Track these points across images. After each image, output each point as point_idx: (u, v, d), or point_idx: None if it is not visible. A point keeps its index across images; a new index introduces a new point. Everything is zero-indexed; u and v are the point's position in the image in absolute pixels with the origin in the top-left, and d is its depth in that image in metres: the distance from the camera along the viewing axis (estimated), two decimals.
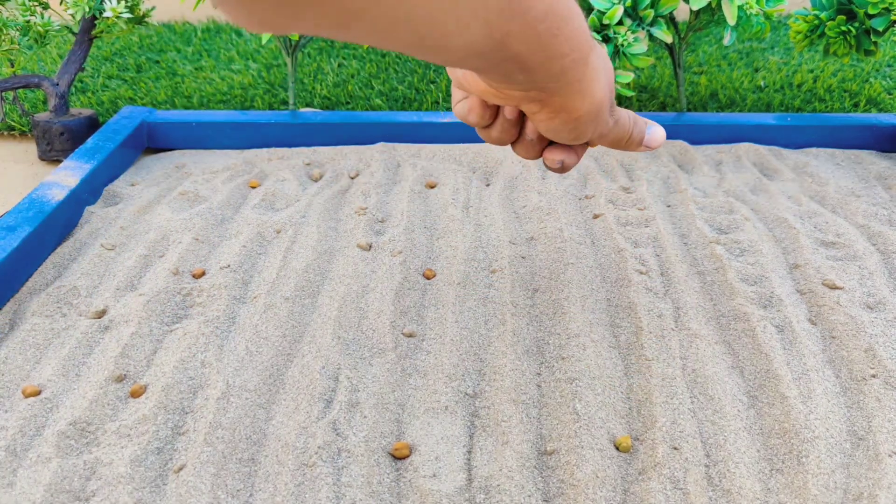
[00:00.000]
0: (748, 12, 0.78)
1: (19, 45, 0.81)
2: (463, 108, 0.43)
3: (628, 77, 0.80)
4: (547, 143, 0.45)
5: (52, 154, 0.84)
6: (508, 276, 0.58)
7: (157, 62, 1.16)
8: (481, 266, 0.61)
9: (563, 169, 0.46)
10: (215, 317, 0.54)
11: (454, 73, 0.40)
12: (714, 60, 1.14)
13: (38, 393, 0.46)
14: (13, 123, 0.92)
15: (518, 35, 0.31)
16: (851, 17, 0.78)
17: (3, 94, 0.83)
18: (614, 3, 0.76)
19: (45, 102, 0.99)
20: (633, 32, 0.77)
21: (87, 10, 0.81)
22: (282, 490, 0.40)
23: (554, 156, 0.45)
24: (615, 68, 0.80)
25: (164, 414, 0.45)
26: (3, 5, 0.81)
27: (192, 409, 0.46)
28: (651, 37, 0.80)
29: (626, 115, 0.45)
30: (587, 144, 0.46)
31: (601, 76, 0.39)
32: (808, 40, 0.82)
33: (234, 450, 0.42)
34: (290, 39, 0.87)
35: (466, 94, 0.42)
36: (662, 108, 0.96)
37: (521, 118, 0.44)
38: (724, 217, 0.67)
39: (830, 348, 0.51)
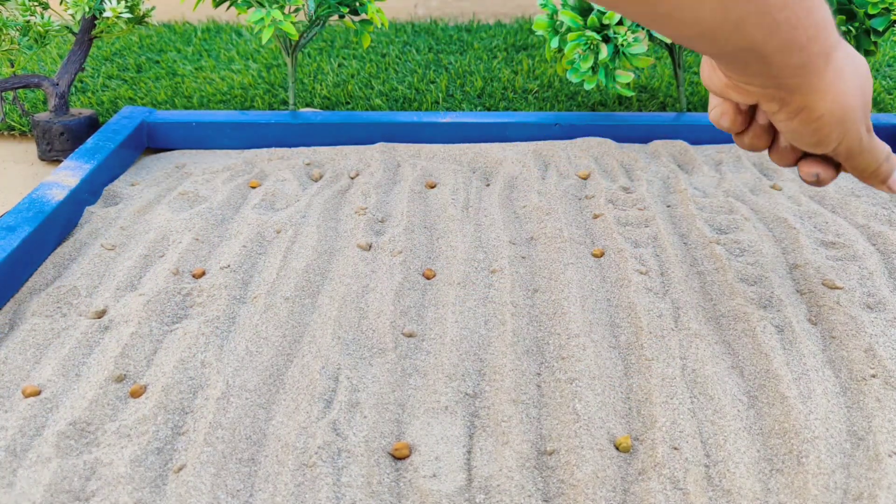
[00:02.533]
0: None
1: (19, 45, 0.81)
2: (716, 112, 0.43)
3: (628, 77, 0.80)
4: (802, 153, 0.44)
5: (52, 154, 0.84)
6: (508, 276, 0.58)
7: (157, 62, 1.16)
8: (481, 266, 0.61)
9: (819, 182, 0.44)
10: (215, 317, 0.54)
11: (703, 73, 0.40)
12: None
13: (38, 393, 0.46)
14: (13, 123, 0.92)
15: (755, 21, 0.31)
16: (851, 17, 0.78)
17: (3, 94, 0.83)
18: None
19: (45, 102, 0.99)
20: (633, 32, 0.77)
21: (87, 10, 0.81)
22: (282, 490, 0.40)
23: (809, 168, 0.44)
24: (614, 68, 0.80)
25: (164, 414, 0.45)
26: (3, 5, 0.81)
27: (192, 409, 0.46)
28: (651, 37, 0.80)
29: (880, 143, 0.43)
30: (839, 167, 0.44)
31: (847, 77, 0.37)
32: None
33: (234, 450, 0.42)
34: (290, 40, 0.87)
35: (721, 99, 0.42)
36: (662, 108, 0.97)
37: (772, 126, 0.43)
38: (723, 217, 0.67)
39: (830, 348, 0.51)
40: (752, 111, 0.43)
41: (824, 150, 0.40)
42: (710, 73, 0.39)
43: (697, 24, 0.31)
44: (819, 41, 0.34)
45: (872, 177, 0.44)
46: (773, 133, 0.43)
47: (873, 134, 0.42)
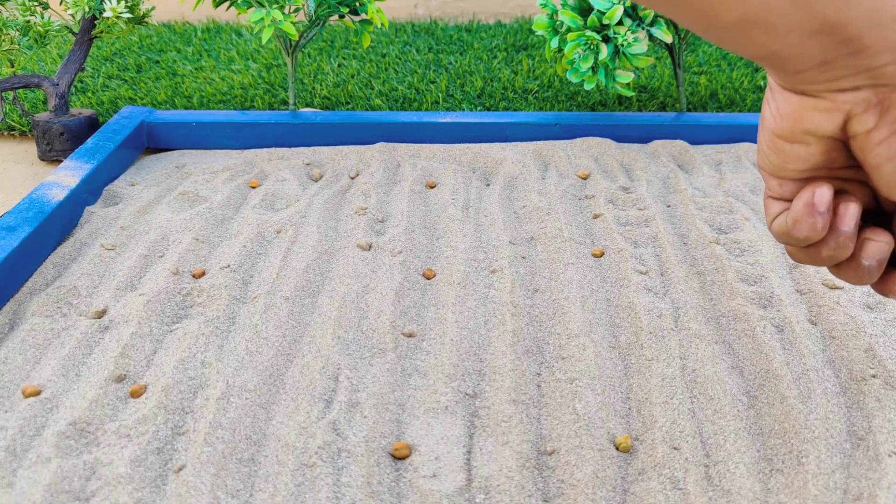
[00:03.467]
0: None
1: (19, 45, 0.81)
2: (786, 221, 0.32)
3: (628, 77, 0.80)
4: (886, 261, 0.33)
5: (52, 154, 0.84)
6: (508, 276, 0.58)
7: (157, 62, 1.16)
8: (481, 266, 0.61)
9: None
10: (215, 317, 0.54)
11: (766, 127, 0.31)
12: (714, 60, 1.14)
13: (37, 393, 0.46)
14: (13, 123, 0.92)
15: None
16: None
17: (3, 94, 0.83)
18: (614, 3, 0.76)
19: (45, 102, 0.99)
20: (633, 32, 0.77)
21: (87, 10, 0.81)
22: (282, 490, 0.40)
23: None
24: (614, 68, 0.80)
25: (164, 414, 0.45)
26: (3, 5, 0.81)
27: (192, 409, 0.46)
28: (651, 37, 0.80)
29: None
30: None
31: None
32: None
33: (234, 450, 0.42)
34: (290, 40, 0.87)
35: (785, 203, 0.33)
36: (662, 108, 0.97)
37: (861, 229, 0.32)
38: (723, 217, 0.67)
39: (830, 348, 0.51)
40: (830, 215, 0.32)
41: None
42: (775, 106, 0.30)
43: (739, 4, 0.24)
44: None
45: None
46: (856, 238, 0.32)
47: None
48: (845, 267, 0.33)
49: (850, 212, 0.31)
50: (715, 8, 0.25)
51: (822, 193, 0.31)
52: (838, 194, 0.32)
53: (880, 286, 0.34)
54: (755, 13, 0.24)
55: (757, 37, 0.25)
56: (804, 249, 0.33)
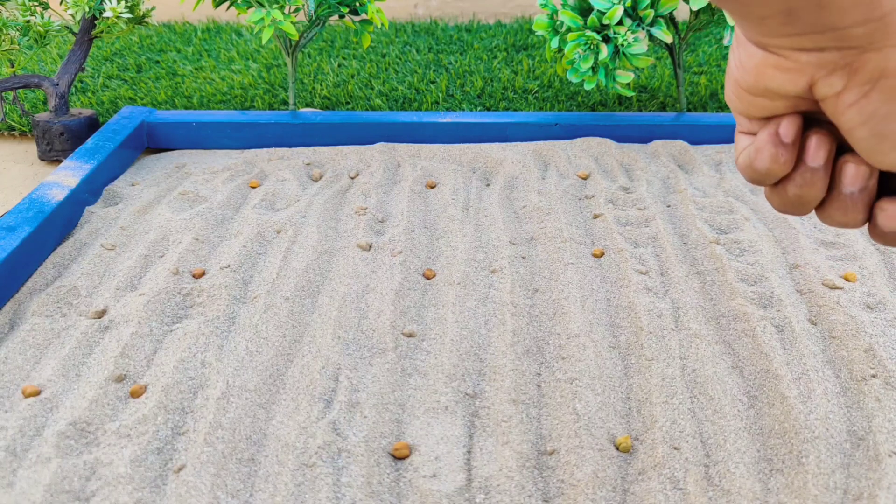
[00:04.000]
0: None
1: (19, 45, 0.81)
2: (749, 153, 0.29)
3: (628, 77, 0.80)
4: (875, 195, 0.29)
5: (52, 154, 0.84)
6: (508, 276, 0.58)
7: (158, 62, 1.16)
8: (481, 266, 0.61)
9: None
10: (215, 317, 0.54)
11: (730, 75, 0.29)
12: (714, 60, 1.14)
13: (38, 393, 0.46)
14: (13, 123, 0.92)
15: None
16: None
17: (3, 94, 0.83)
18: (614, 3, 0.76)
19: (45, 102, 0.99)
20: (633, 32, 0.77)
21: (87, 10, 0.81)
22: (282, 490, 0.40)
23: (893, 207, 0.29)
24: (614, 68, 0.80)
25: (164, 414, 0.45)
26: (3, 5, 0.81)
27: (192, 409, 0.46)
28: (651, 37, 0.80)
29: None
30: None
31: None
32: None
33: (234, 450, 0.42)
34: (290, 40, 0.87)
35: (752, 135, 0.30)
36: (662, 108, 0.97)
37: (832, 164, 0.29)
38: (723, 217, 0.67)
39: (830, 348, 0.51)
40: (797, 149, 0.29)
41: None
42: (739, 57, 0.28)
43: None
44: None
45: None
46: (830, 176, 0.29)
47: None
48: (829, 206, 0.30)
49: (818, 143, 0.28)
50: None
51: (789, 124, 0.29)
52: (810, 127, 0.29)
53: (875, 227, 0.30)
54: None
55: None
56: (774, 189, 0.30)
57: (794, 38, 0.25)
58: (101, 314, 0.54)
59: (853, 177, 0.29)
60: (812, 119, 0.29)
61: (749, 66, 0.27)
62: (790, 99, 0.28)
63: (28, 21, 0.80)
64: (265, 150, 0.82)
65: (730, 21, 0.77)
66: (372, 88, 1.04)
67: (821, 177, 0.29)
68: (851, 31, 0.24)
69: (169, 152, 0.83)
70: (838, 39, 0.24)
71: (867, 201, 0.29)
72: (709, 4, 0.78)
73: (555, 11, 0.83)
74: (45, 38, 0.82)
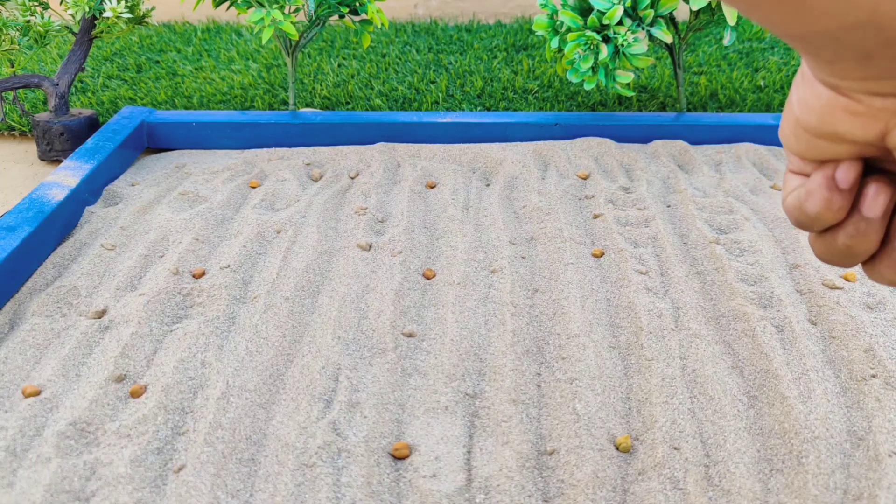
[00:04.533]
0: None
1: (19, 45, 0.81)
2: (799, 194, 0.27)
3: (628, 77, 0.80)
4: None
5: (52, 154, 0.84)
6: (508, 276, 0.58)
7: (157, 62, 1.16)
8: (481, 266, 0.61)
9: None
10: (215, 317, 0.54)
11: (790, 114, 0.26)
12: (714, 60, 1.14)
13: (38, 393, 0.46)
14: (13, 123, 0.92)
15: None
16: None
17: (3, 94, 0.83)
18: (614, 4, 0.76)
19: (45, 102, 0.99)
20: (633, 32, 0.77)
21: (87, 10, 0.81)
22: (282, 490, 0.40)
23: None
24: (614, 68, 0.80)
25: (164, 414, 0.45)
26: (3, 5, 0.81)
27: (192, 409, 0.46)
28: (651, 37, 0.80)
29: None
30: None
31: None
32: None
33: (234, 450, 0.42)
34: (290, 40, 0.87)
35: (803, 175, 0.28)
36: (662, 108, 0.97)
37: (889, 217, 0.26)
38: (723, 217, 0.67)
39: (830, 348, 0.51)
40: (853, 197, 0.26)
41: None
42: (803, 95, 0.25)
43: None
44: None
45: None
46: (885, 228, 0.26)
47: None
48: (880, 262, 0.27)
49: (877, 192, 0.26)
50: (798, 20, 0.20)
51: (849, 168, 0.26)
52: (871, 174, 0.27)
53: None
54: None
55: (787, 16, 0.21)
56: (821, 237, 0.27)
57: (870, 82, 0.22)
58: (101, 314, 0.54)
59: None
60: (872, 166, 0.27)
61: (815, 105, 0.25)
62: (857, 145, 0.25)
63: (28, 21, 0.80)
64: (265, 150, 0.82)
65: (730, 21, 0.77)
66: (372, 88, 1.04)
67: (876, 229, 0.26)
68: None
69: (169, 152, 0.83)
70: None
71: None
72: (709, 4, 0.78)
73: (555, 11, 0.83)
74: (45, 38, 0.82)
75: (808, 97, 0.25)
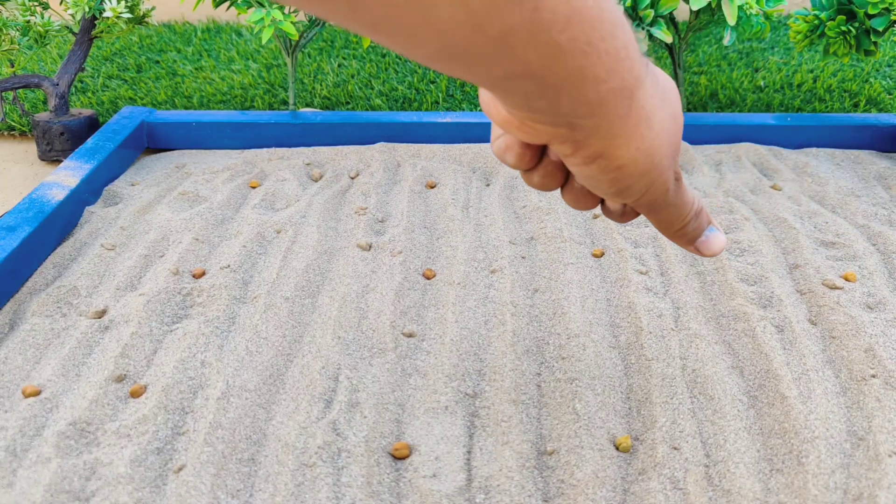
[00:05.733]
0: (748, 12, 0.78)
1: (19, 45, 0.81)
2: (499, 145, 0.34)
3: None
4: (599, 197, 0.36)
5: (52, 154, 0.84)
6: (508, 276, 0.58)
7: (158, 62, 1.16)
8: (481, 266, 0.61)
9: (625, 216, 0.37)
10: (215, 317, 0.54)
11: (482, 98, 0.32)
12: (714, 60, 1.14)
13: (37, 393, 0.46)
14: (13, 123, 0.92)
15: (525, 38, 0.23)
16: (851, 17, 0.78)
17: (3, 94, 0.83)
18: None
19: (45, 102, 0.99)
20: (633, 32, 0.77)
21: (87, 10, 0.81)
22: (282, 490, 0.40)
23: (610, 207, 0.37)
24: None
25: (164, 414, 0.45)
26: (3, 5, 0.81)
27: (192, 409, 0.46)
28: (651, 37, 0.80)
29: (691, 195, 0.36)
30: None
31: (655, 119, 0.30)
32: (808, 40, 0.82)
33: (234, 450, 0.42)
34: (290, 40, 0.87)
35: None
36: None
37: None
38: (723, 217, 0.67)
39: (830, 348, 0.51)
40: (542, 146, 0.34)
41: (625, 200, 0.33)
42: (489, 101, 0.31)
43: (438, 37, 0.23)
44: (620, 74, 0.27)
45: (678, 236, 0.37)
46: (567, 172, 0.35)
47: (682, 183, 0.35)
48: (565, 193, 0.36)
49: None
50: (414, 39, 0.23)
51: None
52: None
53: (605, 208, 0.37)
54: (459, 49, 0.23)
55: (457, 69, 0.25)
56: (524, 174, 0.35)
57: (531, 114, 0.28)
58: (101, 314, 0.54)
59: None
60: None
61: (493, 111, 0.31)
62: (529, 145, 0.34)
63: (28, 21, 0.80)
64: (265, 150, 0.82)
65: (730, 21, 0.77)
66: (372, 88, 1.04)
67: (559, 170, 0.34)
68: (578, 119, 0.28)
69: (169, 152, 0.83)
70: (569, 125, 0.28)
71: (593, 197, 0.36)
72: (709, 4, 0.78)
73: None
74: (45, 38, 0.82)
75: (490, 106, 0.31)
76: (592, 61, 0.25)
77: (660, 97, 0.30)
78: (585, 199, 0.36)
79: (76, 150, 0.76)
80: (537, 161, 0.34)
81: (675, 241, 0.38)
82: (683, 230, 0.37)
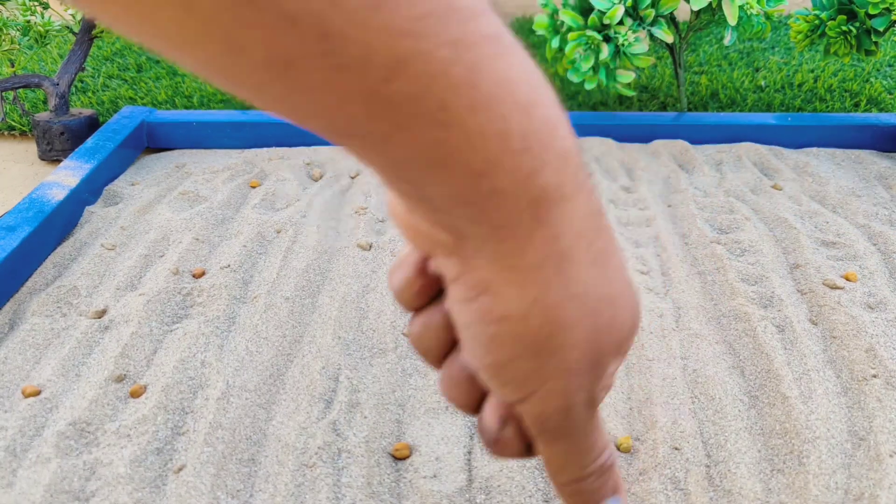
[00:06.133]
0: (749, 12, 0.78)
1: (19, 45, 0.81)
2: (394, 264, 0.25)
3: (629, 77, 0.80)
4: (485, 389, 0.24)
5: (52, 154, 0.84)
6: None
7: (158, 62, 1.16)
8: None
9: (498, 444, 0.25)
10: (215, 317, 0.53)
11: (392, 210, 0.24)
12: (715, 60, 1.14)
13: (37, 393, 0.46)
14: (13, 123, 0.92)
15: (307, 70, 0.17)
16: (852, 16, 0.78)
17: (4, 94, 0.83)
18: (615, 3, 0.76)
19: (45, 102, 0.99)
20: (633, 32, 0.77)
21: None
22: (282, 490, 0.40)
23: (489, 414, 0.24)
24: (615, 68, 0.80)
25: (164, 414, 0.45)
26: (3, 5, 0.81)
27: (192, 409, 0.46)
28: (652, 36, 0.80)
29: (604, 441, 0.25)
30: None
31: (579, 272, 0.21)
32: (809, 40, 0.82)
33: (234, 450, 0.42)
34: None
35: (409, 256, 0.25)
36: (663, 107, 0.96)
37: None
38: (724, 217, 0.67)
39: (831, 348, 0.50)
40: (438, 286, 0.24)
41: (503, 391, 0.23)
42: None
43: (206, 59, 0.17)
44: (512, 173, 0.19)
45: (568, 492, 0.25)
46: (453, 337, 0.24)
47: (597, 420, 0.24)
48: (442, 372, 0.25)
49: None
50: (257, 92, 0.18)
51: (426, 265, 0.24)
52: None
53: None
54: (242, 75, 0.17)
55: (258, 92, 0.18)
56: (413, 318, 0.26)
57: (411, 205, 0.21)
58: (101, 314, 0.54)
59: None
60: None
61: (395, 208, 0.23)
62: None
63: (28, 21, 0.80)
64: (265, 149, 0.82)
65: (730, 21, 0.77)
66: None
67: (446, 327, 0.24)
68: (463, 223, 0.20)
69: (169, 152, 0.83)
70: (449, 226, 0.21)
71: (476, 387, 0.24)
72: (710, 4, 0.78)
73: (555, 11, 0.83)
74: (45, 38, 0.82)
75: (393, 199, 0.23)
76: (457, 140, 0.18)
77: (598, 251, 0.21)
78: (462, 385, 0.24)
79: (76, 149, 0.76)
80: (427, 298, 0.24)
81: (560, 496, 0.26)
82: (577, 485, 0.25)
